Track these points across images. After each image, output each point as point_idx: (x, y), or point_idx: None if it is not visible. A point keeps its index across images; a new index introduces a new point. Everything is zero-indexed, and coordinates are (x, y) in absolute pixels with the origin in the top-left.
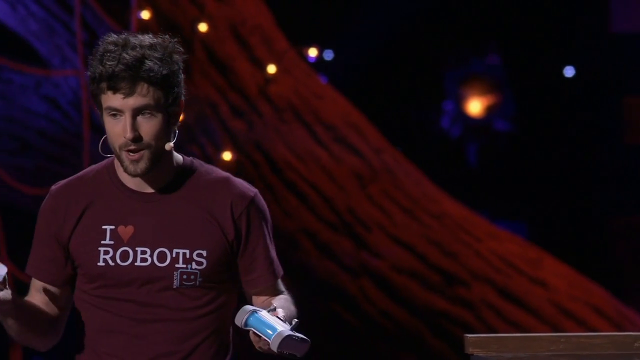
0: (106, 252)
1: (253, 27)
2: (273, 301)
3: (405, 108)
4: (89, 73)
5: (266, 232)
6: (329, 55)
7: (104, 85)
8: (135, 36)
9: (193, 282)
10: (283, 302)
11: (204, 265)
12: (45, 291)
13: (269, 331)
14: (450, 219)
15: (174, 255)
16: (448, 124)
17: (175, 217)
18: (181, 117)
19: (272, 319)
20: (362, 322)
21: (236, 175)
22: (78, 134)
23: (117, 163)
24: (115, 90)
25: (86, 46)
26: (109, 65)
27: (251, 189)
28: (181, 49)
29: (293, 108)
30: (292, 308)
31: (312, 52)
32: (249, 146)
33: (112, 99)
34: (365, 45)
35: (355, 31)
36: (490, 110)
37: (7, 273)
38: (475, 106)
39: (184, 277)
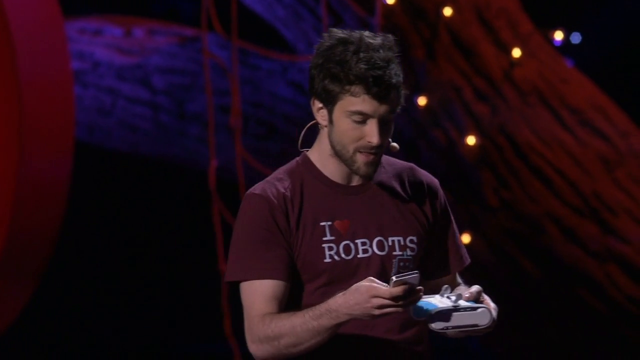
0: (330, 248)
1: (498, 10)
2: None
3: None
4: (318, 68)
5: (452, 219)
6: (576, 38)
7: (355, 88)
8: (358, 32)
9: (408, 270)
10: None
11: (415, 251)
12: (279, 295)
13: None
14: None
15: (390, 243)
16: None
17: (382, 207)
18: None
19: (426, 298)
20: (609, 307)
21: (481, 159)
22: None
23: (317, 160)
24: (372, 95)
25: None
26: (363, 67)
27: (434, 177)
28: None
29: (538, 92)
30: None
31: (558, 36)
32: (493, 130)
33: (362, 103)
34: (613, 27)
35: (603, 13)
36: None
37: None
38: None
39: (401, 264)
